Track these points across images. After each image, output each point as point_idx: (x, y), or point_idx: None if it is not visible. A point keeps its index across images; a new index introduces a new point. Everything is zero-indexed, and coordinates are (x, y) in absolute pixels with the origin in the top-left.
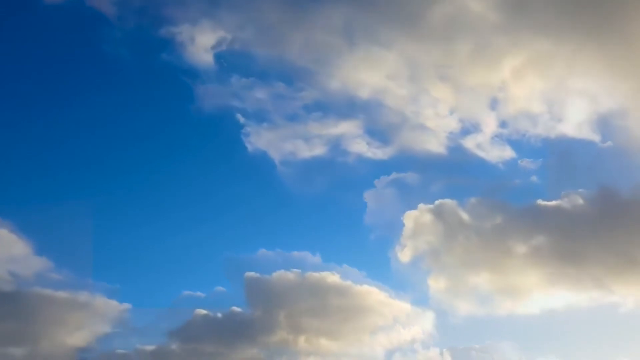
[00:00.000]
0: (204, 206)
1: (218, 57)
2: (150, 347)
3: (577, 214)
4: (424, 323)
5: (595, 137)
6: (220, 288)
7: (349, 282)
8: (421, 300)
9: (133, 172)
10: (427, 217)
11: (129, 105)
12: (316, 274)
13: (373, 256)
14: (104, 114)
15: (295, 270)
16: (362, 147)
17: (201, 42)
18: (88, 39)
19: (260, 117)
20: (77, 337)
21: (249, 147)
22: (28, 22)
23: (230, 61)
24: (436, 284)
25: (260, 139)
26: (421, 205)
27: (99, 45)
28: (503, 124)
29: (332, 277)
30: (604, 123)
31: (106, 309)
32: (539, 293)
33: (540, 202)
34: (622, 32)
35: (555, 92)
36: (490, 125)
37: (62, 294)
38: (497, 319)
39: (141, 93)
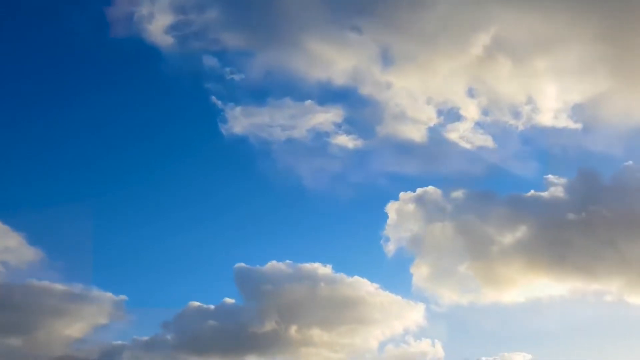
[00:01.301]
0: (195, 201)
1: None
2: (144, 338)
3: (559, 202)
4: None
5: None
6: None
7: (340, 274)
8: (409, 291)
9: (121, 168)
10: (410, 207)
11: (129, 105)
12: (308, 265)
13: (362, 247)
14: (104, 114)
15: (287, 261)
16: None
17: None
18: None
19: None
20: (73, 328)
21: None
22: (31, 19)
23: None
24: (420, 274)
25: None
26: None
27: (89, 40)
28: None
29: (323, 269)
30: (581, 109)
31: (102, 301)
32: (524, 282)
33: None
34: (601, 14)
35: (530, 78)
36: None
37: (58, 286)
38: (482, 308)
39: (140, 93)
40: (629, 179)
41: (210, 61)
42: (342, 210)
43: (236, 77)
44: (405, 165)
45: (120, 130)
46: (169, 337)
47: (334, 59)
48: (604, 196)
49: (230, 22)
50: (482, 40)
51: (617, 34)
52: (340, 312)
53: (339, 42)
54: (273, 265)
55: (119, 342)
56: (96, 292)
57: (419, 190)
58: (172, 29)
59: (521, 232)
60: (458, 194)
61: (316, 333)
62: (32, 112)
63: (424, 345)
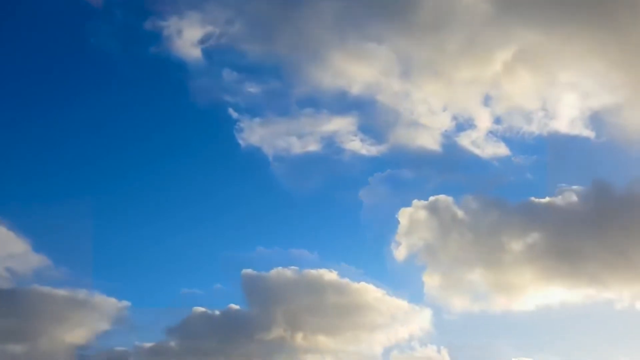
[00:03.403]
0: (201, 205)
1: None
2: (149, 344)
3: (572, 211)
4: (421, 320)
5: (589, 134)
6: (218, 286)
7: (346, 280)
8: (417, 297)
9: (129, 170)
10: (422, 214)
11: (127, 104)
12: (313, 271)
13: (369, 254)
14: (101, 113)
15: (292, 267)
16: (355, 144)
17: (189, 36)
18: (78, 33)
19: (252, 112)
20: (76, 335)
21: (242, 144)
22: (21, 16)
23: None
24: (431, 281)
25: (253, 135)
26: (415, 202)
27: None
28: (497, 121)
29: (329, 275)
30: (597, 119)
31: (105, 307)
32: (534, 290)
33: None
34: (615, 26)
35: (548, 89)
36: (483, 121)
37: (61, 292)
38: (493, 315)
39: (137, 92)
40: None
41: (230, 75)
42: (350, 216)
43: (253, 89)
44: (419, 172)
45: (117, 130)
46: (173, 343)
47: (354, 70)
48: (617, 206)
49: (252, 35)
50: (502, 57)
51: (634, 46)
52: (345, 318)
53: (359, 53)
54: (279, 271)
55: (122, 348)
56: (99, 297)
57: (432, 198)
58: (199, 42)
59: (533, 239)
60: (470, 201)
61: (321, 339)
62: (31, 112)
63: (430, 351)
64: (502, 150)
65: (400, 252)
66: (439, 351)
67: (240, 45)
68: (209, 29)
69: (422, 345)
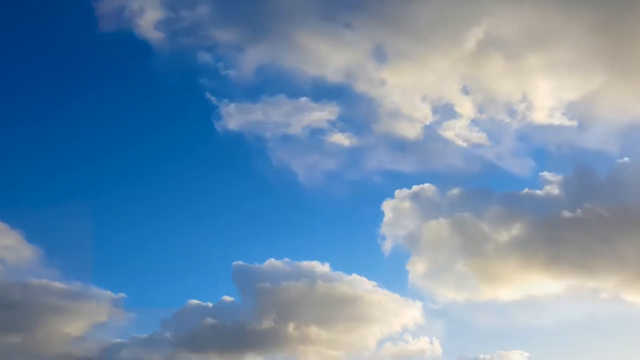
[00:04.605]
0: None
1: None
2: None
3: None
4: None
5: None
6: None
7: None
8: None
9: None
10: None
11: (126, 104)
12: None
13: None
14: (105, 114)
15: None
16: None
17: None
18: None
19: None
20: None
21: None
22: (31, 22)
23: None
24: (415, 271)
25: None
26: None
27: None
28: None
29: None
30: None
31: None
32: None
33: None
34: (594, 8)
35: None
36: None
37: (58, 285)
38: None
39: (135, 91)
40: (624, 175)
41: (204, 57)
42: (338, 208)
43: (230, 72)
44: (401, 162)
45: (113, 128)
46: (168, 335)
47: (327, 56)
48: (600, 193)
49: (221, 18)
50: (475, 34)
51: (610, 29)
52: (338, 309)
53: (331, 39)
54: (271, 263)
55: (118, 340)
56: (95, 290)
57: (415, 187)
58: (163, 24)
59: (517, 229)
60: (454, 191)
61: (314, 330)
62: (32, 113)
63: (422, 343)
64: (484, 139)
65: (386, 244)
66: (431, 342)
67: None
68: (172, 12)
69: (415, 336)
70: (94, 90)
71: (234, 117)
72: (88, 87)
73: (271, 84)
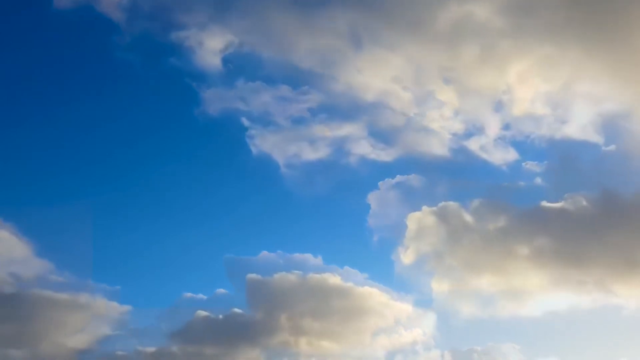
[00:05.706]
0: (206, 207)
1: (225, 60)
2: (150, 349)
3: (580, 216)
4: (425, 325)
5: (599, 140)
6: (221, 290)
7: (350, 284)
8: (423, 301)
9: (134, 173)
10: (431, 219)
11: (131, 106)
12: (317, 275)
13: (375, 258)
14: (106, 115)
15: (296, 272)
16: (366, 149)
17: (209, 46)
18: (96, 43)
19: (265, 120)
20: (78, 339)
21: (253, 150)
22: (36, 25)
23: (237, 65)
24: (439, 286)
25: (265, 142)
26: (425, 207)
27: (106, 48)
28: (507, 126)
29: (333, 279)
30: (608, 126)
31: (106, 310)
32: (542, 295)
33: (543, 203)
34: (626, 36)
35: (559, 95)
36: (493, 127)
37: (62, 296)
38: (499, 320)
39: (145, 95)
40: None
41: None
42: (357, 221)
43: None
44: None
45: (122, 132)
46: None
47: (367, 78)
48: (625, 212)
49: (269, 45)
50: (517, 68)
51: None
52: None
53: (372, 61)
54: (282, 275)
55: (124, 352)
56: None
57: (441, 203)
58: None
59: (541, 245)
60: (478, 206)
61: (325, 344)
62: (33, 113)
63: (433, 356)
64: (512, 155)
65: (407, 257)
66: (442, 356)
67: (258, 55)
68: (229, 38)
69: (426, 349)
70: (98, 92)
71: (264, 138)
72: (92, 90)
73: (242, 69)
